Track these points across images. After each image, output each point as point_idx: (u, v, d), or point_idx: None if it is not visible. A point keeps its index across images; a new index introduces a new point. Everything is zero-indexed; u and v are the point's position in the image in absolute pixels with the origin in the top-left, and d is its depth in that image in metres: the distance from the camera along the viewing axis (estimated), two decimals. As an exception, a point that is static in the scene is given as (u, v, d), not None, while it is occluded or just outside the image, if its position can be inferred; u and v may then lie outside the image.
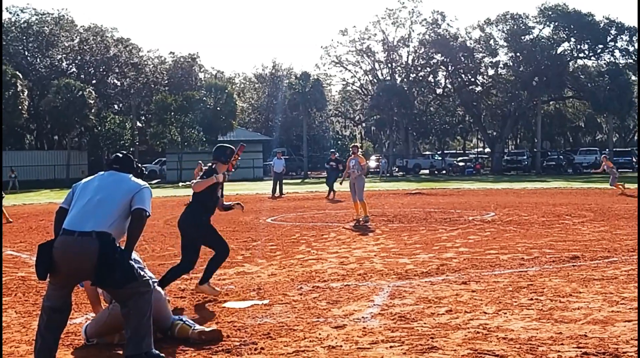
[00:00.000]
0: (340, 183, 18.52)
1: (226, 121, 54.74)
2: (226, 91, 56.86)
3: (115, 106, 67.28)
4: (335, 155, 26.84)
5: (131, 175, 5.12)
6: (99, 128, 54.85)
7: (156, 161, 59.24)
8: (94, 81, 61.84)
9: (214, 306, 6.76)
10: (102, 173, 5.17)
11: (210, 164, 7.43)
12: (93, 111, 51.87)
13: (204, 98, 54.99)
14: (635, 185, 26.44)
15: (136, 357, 4.76)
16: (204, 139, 52.08)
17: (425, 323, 5.79)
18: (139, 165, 5.33)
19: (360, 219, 15.44)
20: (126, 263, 4.74)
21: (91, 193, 4.91)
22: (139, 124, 62.46)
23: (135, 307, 4.80)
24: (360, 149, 17.26)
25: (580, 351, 4.85)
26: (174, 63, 68.95)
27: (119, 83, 66.25)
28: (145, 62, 66.69)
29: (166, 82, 66.39)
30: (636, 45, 57.42)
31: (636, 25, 57.98)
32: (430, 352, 4.96)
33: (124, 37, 65.26)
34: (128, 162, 5.21)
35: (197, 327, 5.50)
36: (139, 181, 5.08)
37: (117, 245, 4.78)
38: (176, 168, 51.48)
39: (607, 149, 58.93)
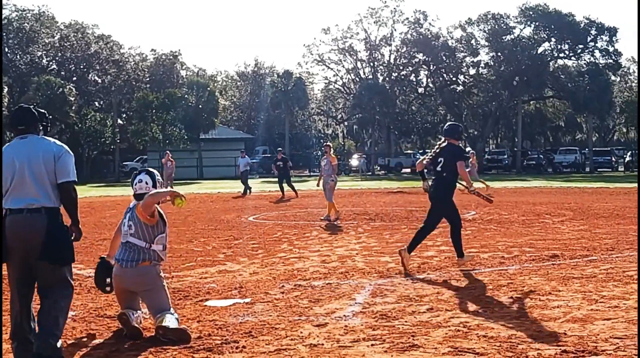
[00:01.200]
0: (317, 184, 17.46)
1: (208, 119, 54.60)
2: (208, 88, 56.69)
3: (96, 103, 66.77)
4: (282, 154, 26.47)
5: (42, 135, 4.95)
6: (80, 125, 54.41)
7: (137, 158, 58.92)
8: (74, 78, 61.39)
9: (195, 304, 6.75)
10: (13, 142, 4.95)
11: None
12: (73, 108, 51.49)
13: (186, 96, 54.81)
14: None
15: None
16: (186, 137, 51.89)
17: (406, 321, 5.83)
18: (41, 112, 5.07)
19: (330, 217, 15.35)
20: (70, 240, 4.81)
21: (18, 170, 4.78)
22: (120, 121, 62.03)
23: (62, 297, 4.79)
24: (332, 149, 16.81)
25: (560, 349, 4.91)
26: (156, 60, 68.60)
27: (99, 80, 65.77)
28: (127, 59, 66.29)
29: (148, 79, 66.04)
30: (616, 45, 58.08)
31: (616, 26, 58.64)
32: (411, 349, 4.99)
33: (105, 34, 64.89)
34: (31, 117, 4.96)
35: (166, 322, 5.41)
36: (53, 144, 4.88)
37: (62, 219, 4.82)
38: (158, 165, 51.23)
39: (586, 149, 59.49)
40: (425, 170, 9.09)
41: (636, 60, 76.52)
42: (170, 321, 5.44)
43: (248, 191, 26.84)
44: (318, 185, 17.16)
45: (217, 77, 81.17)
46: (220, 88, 74.21)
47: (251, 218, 16.51)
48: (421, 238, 8.86)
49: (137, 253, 5.65)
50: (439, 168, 8.69)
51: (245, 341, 5.32)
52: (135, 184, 5.89)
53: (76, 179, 4.93)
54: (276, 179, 26.66)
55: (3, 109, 47.33)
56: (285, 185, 24.94)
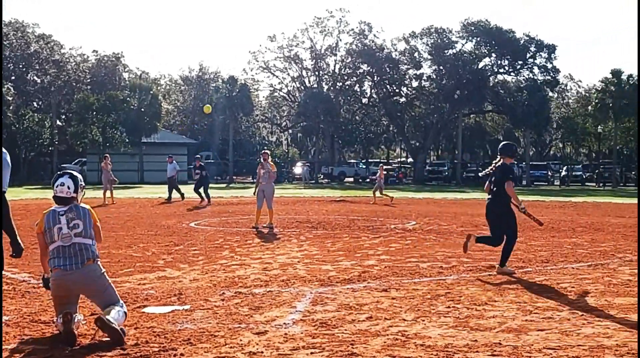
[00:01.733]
0: (254, 193, 16.78)
1: (150, 123, 53.91)
2: (151, 92, 55.98)
3: (35, 104, 65.09)
4: (200, 162, 26.08)
5: None
6: (17, 126, 52.91)
7: (76, 161, 57.66)
8: (12, 77, 59.73)
9: (133, 311, 6.64)
10: None
11: None
12: (11, 108, 50.04)
13: (128, 98, 53.98)
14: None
15: None
16: (127, 140, 51.04)
17: (346, 330, 5.87)
18: None
19: (265, 225, 15.31)
20: None
21: None
22: (59, 123, 60.70)
23: None
24: (270, 156, 16.54)
25: (494, 358, 5.01)
26: (97, 62, 67.39)
27: (39, 80, 64.18)
28: (67, 60, 64.93)
29: (89, 81, 64.79)
30: (554, 62, 59.68)
31: (554, 43, 60.36)
32: (350, 358, 5.03)
33: (45, 34, 63.44)
34: None
35: (110, 315, 5.38)
36: None
37: None
38: (97, 168, 50.26)
39: (524, 163, 61.02)
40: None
41: (573, 77, 79.16)
42: (114, 315, 5.41)
43: (181, 196, 26.17)
44: (254, 193, 16.62)
45: (160, 80, 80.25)
46: (164, 92, 73.39)
47: (192, 224, 16.35)
48: (509, 251, 9.23)
49: (81, 253, 5.58)
50: (493, 187, 9.29)
51: (184, 349, 5.26)
52: (57, 187, 5.71)
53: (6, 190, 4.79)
54: (224, 185, 26.39)
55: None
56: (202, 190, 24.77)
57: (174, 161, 27.32)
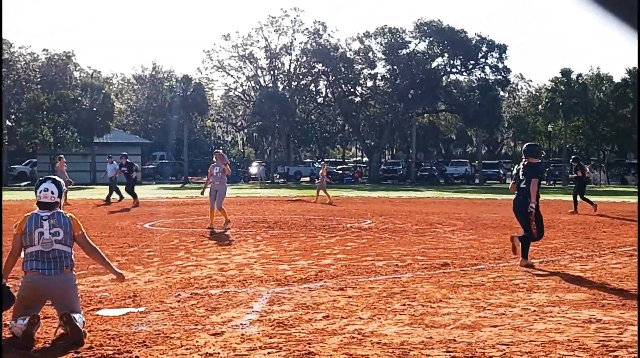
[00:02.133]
0: (202, 193, 16.89)
1: (103, 122, 53.07)
2: (103, 91, 55.12)
3: (-18, 104, 63.51)
4: (126, 159, 25.23)
5: None
6: (-37, 127, 51.62)
7: (26, 162, 56.42)
8: (-42, 76, 58.11)
9: (87, 314, 6.54)
10: None
11: None
12: (-43, 107, 48.68)
13: (80, 98, 53.03)
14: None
15: None
16: (79, 141, 50.16)
17: (302, 329, 5.88)
18: None
19: (221, 226, 15.20)
20: None
21: None
22: (8, 123, 59.26)
23: None
24: (224, 155, 16.22)
25: (449, 355, 5.09)
26: (48, 61, 65.99)
27: (-14, 80, 62.59)
28: (17, 59, 63.43)
29: (39, 80, 63.40)
30: (505, 62, 60.69)
31: (505, 43, 61.34)
32: (307, 357, 5.04)
33: (-7, 32, 61.79)
34: None
35: (75, 316, 5.43)
36: None
37: None
38: (47, 169, 49.27)
39: (476, 161, 61.94)
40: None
41: (524, 77, 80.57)
42: (77, 319, 5.44)
43: (107, 199, 25.55)
44: (202, 193, 16.74)
45: (112, 79, 79.00)
46: (116, 91, 72.29)
47: (147, 225, 16.16)
48: (527, 245, 9.90)
49: (60, 260, 5.62)
50: (522, 185, 9.99)
51: (139, 351, 5.21)
52: (40, 193, 5.78)
53: None
54: (179, 186, 25.97)
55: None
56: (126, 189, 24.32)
57: (114, 162, 26.87)
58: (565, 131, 58.05)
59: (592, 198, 21.70)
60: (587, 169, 22.87)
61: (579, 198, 20.53)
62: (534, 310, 6.63)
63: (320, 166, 27.77)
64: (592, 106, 56.27)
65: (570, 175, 23.60)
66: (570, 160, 22.48)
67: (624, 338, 5.54)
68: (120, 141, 57.21)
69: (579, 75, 56.88)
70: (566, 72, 56.63)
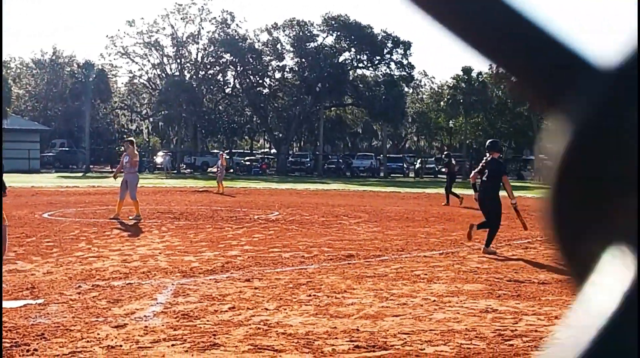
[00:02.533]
0: (115, 178, 16.28)
1: (-2, 108, 50.69)
2: None
3: None
4: None
5: None
6: None
7: None
8: None
9: (-19, 307, 6.29)
10: None
11: None
12: None
13: (-27, 81, 50.47)
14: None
15: None
16: (-28, 127, 47.75)
17: (208, 321, 5.86)
18: None
19: (131, 218, 14.87)
20: None
21: None
22: None
23: None
24: (133, 145, 15.86)
25: (353, 344, 5.20)
26: (-62, 41, 62.37)
27: None
28: None
29: None
30: (410, 59, 62.03)
31: (410, 40, 62.71)
32: (212, 348, 5.04)
33: None
34: None
35: None
36: None
37: None
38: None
39: (381, 155, 63.13)
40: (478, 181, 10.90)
41: (427, 74, 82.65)
42: None
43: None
44: (115, 178, 16.17)
45: (10, 63, 75.52)
46: (14, 75, 69.23)
47: (46, 215, 15.59)
48: (492, 234, 10.49)
49: None
50: (484, 178, 10.59)
51: (37, 344, 5.06)
52: None
53: None
54: (80, 174, 25.19)
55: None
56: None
57: None
58: (466, 127, 59.99)
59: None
60: (454, 163, 24.08)
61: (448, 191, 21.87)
62: (434, 300, 6.86)
63: (219, 156, 27.51)
64: (491, 104, 58.40)
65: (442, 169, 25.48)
66: (443, 155, 23.89)
67: (519, 327, 5.82)
68: (17, 127, 54.78)
69: (479, 73, 58.83)
70: (467, 70, 58.45)
